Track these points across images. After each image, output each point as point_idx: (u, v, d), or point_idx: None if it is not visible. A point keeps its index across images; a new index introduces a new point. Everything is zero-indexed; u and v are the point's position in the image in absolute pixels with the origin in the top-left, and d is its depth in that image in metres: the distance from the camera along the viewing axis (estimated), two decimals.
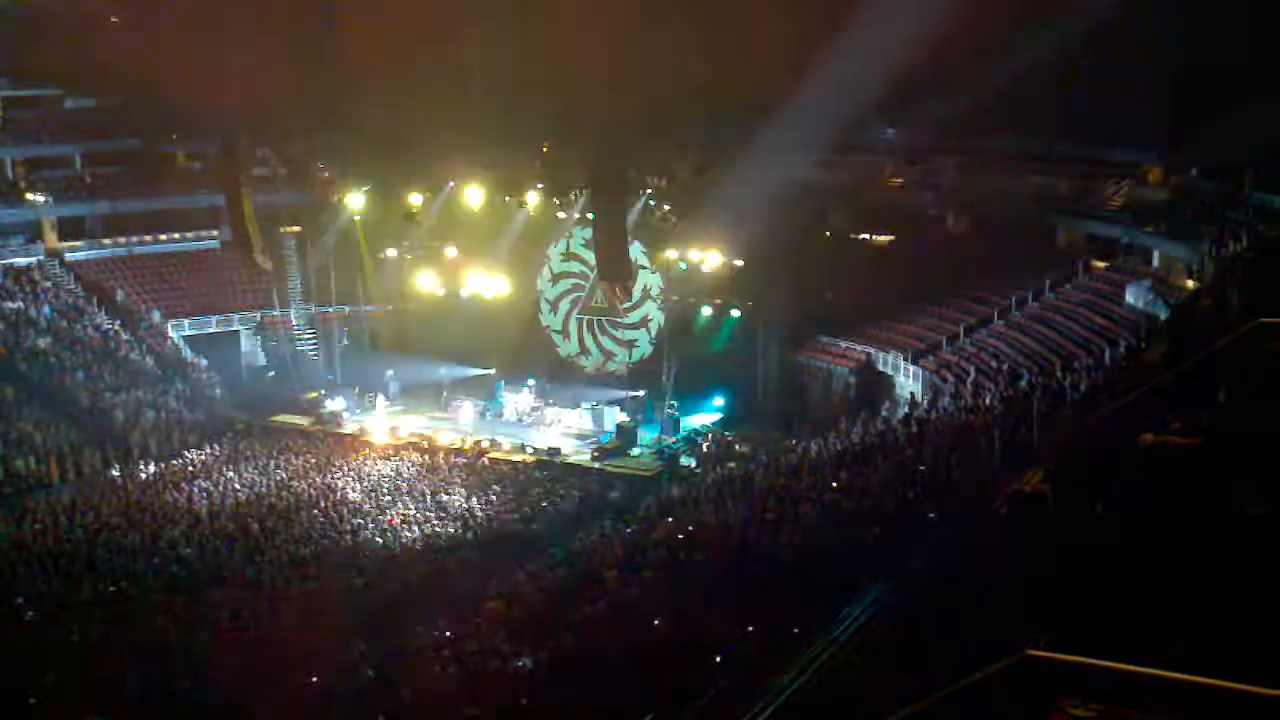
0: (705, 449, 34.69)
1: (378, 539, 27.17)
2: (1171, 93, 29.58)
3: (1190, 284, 27.48)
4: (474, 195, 41.56)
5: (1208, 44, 28.81)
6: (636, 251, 40.34)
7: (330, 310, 44.28)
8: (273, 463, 33.08)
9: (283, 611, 22.66)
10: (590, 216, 40.30)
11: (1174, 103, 29.97)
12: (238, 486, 31.04)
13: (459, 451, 34.97)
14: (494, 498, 30.23)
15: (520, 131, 40.36)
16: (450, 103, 38.77)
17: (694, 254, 38.60)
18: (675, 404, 37.38)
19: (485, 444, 35.48)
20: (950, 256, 37.83)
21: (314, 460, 33.48)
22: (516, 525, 28.51)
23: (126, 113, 46.17)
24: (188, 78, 35.05)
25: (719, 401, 38.29)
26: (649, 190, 40.49)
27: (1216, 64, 28.58)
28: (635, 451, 34.98)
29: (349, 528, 27.46)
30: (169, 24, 41.00)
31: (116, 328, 41.09)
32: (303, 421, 38.67)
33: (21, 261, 43.04)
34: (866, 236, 41.55)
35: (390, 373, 41.12)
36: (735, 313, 38.79)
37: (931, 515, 17.31)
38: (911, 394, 33.45)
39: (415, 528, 27.82)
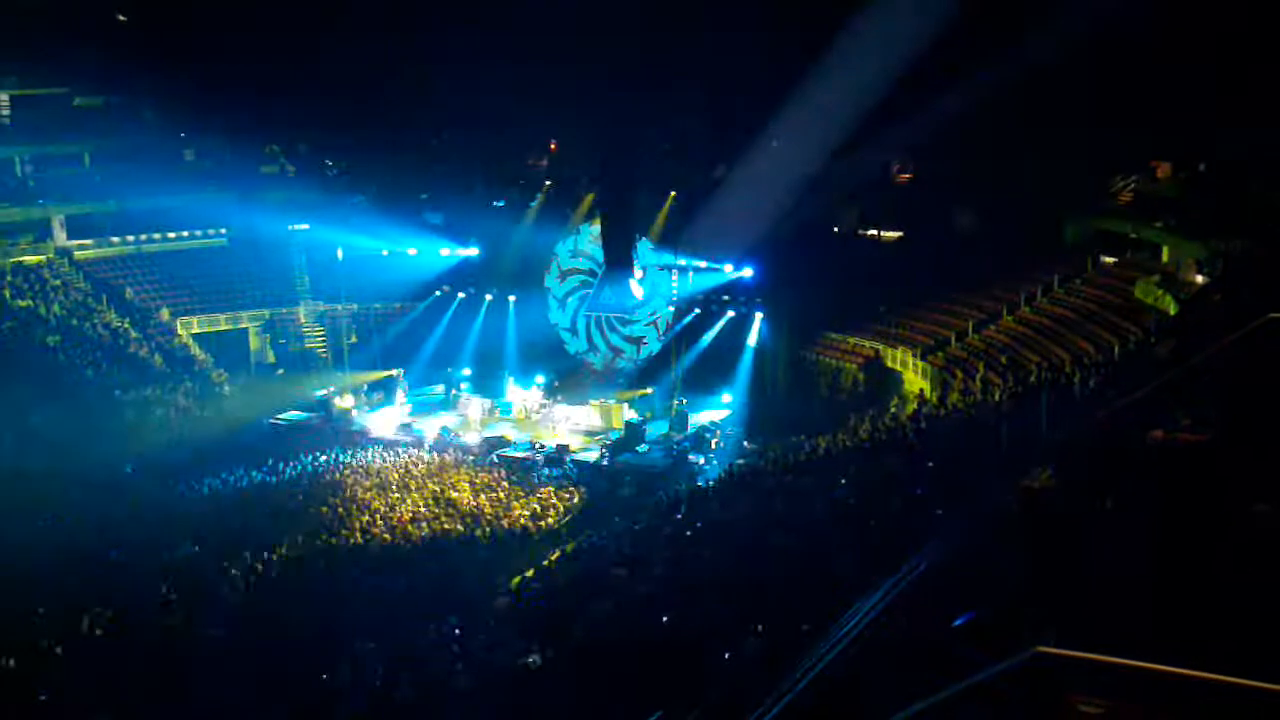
0: (714, 445, 34.70)
1: (386, 535, 27.21)
2: (1179, 89, 29.52)
3: (1200, 280, 27.38)
4: None
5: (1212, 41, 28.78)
6: (645, 248, 40.35)
7: (339, 306, 44.39)
8: (281, 461, 33.14)
9: (289, 608, 22.69)
10: (598, 212, 40.39)
11: (1182, 99, 29.90)
12: (246, 484, 31.12)
13: (467, 449, 34.99)
14: (502, 495, 30.25)
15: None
16: None
17: (702, 252, 38.59)
18: (684, 400, 37.40)
19: (495, 440, 35.51)
20: (959, 252, 37.80)
21: (323, 457, 33.55)
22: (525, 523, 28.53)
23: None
24: None
25: (727, 398, 38.30)
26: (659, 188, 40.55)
27: (1216, 64, 28.55)
28: (643, 448, 35.05)
29: (358, 525, 27.51)
30: None
31: (125, 325, 41.22)
32: (312, 418, 38.74)
33: (31, 259, 43.19)
34: (875, 233, 41.61)
35: (399, 370, 41.20)
36: (744, 310, 38.79)
37: (940, 512, 17.25)
38: (920, 390, 33.43)
39: (424, 524, 27.85)
